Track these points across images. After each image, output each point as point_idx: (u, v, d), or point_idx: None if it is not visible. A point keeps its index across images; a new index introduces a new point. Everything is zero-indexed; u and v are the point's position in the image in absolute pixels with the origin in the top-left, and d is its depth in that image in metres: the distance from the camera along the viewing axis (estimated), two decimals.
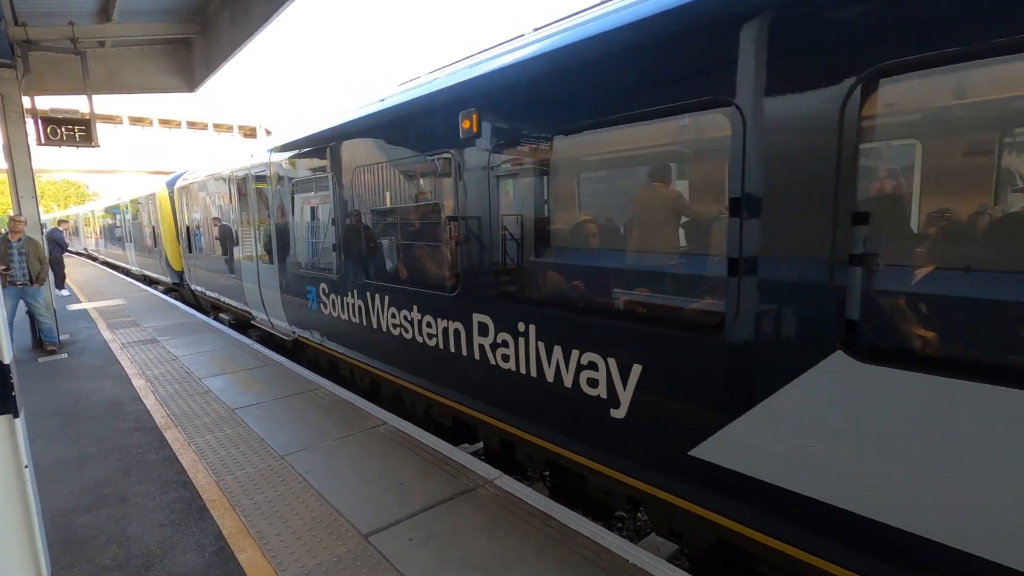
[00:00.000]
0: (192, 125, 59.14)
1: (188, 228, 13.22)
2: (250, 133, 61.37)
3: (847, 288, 2.38)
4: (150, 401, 6.37)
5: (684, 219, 3.61)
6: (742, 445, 2.82)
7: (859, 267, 2.37)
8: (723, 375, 2.87)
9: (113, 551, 3.51)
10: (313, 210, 7.53)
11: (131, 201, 20.61)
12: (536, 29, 4.28)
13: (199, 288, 13.27)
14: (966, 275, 2.31)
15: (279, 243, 8.17)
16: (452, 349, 4.81)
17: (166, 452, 4.96)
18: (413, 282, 5.49)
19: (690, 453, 3.06)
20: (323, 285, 6.98)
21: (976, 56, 2.01)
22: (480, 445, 5.60)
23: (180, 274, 15.24)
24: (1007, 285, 2.16)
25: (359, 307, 6.24)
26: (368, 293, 6.02)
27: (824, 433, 2.50)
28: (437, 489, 4.13)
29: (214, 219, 11.28)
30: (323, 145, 6.67)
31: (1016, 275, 2.17)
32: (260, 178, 8.72)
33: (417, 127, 5.07)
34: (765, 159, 2.59)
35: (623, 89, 3.21)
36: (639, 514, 4.98)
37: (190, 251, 13.32)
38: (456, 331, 4.74)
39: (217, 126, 60.41)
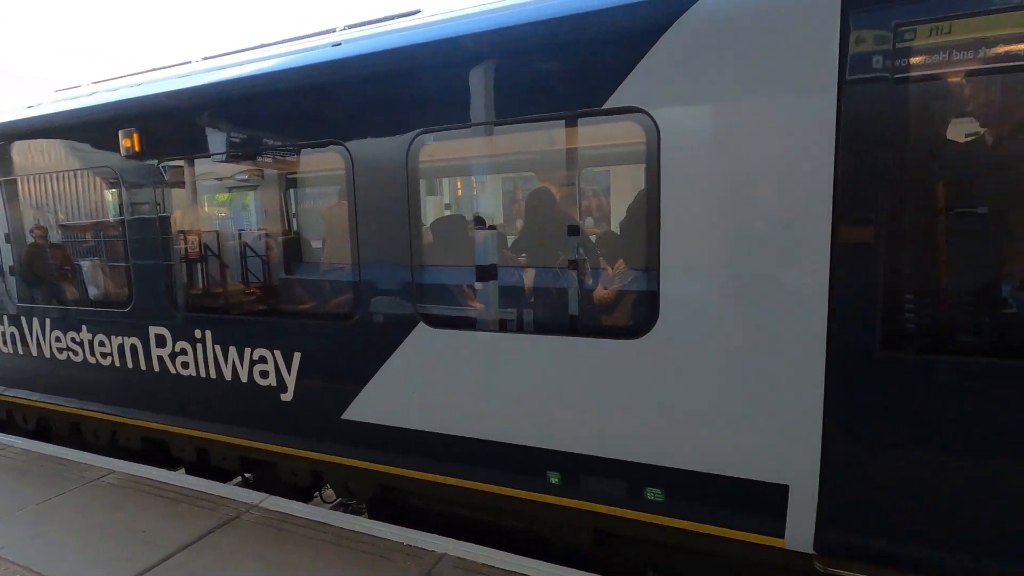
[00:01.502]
0: None
1: None
2: None
3: (418, 282, 3.39)
4: None
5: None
6: (375, 402, 3.61)
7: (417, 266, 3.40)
8: (356, 351, 3.65)
9: None
10: None
11: None
12: (205, 58, 4.68)
13: None
14: (458, 270, 3.56)
15: None
16: (130, 365, 4.73)
17: None
18: (81, 301, 5.27)
19: (343, 417, 3.72)
20: None
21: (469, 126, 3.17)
22: (238, 478, 5.20)
23: None
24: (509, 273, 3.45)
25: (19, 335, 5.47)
26: (30, 317, 5.35)
27: (421, 381, 3.45)
28: (191, 527, 3.76)
29: None
30: None
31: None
32: None
33: (78, 140, 4.88)
34: (367, 188, 3.41)
35: (271, 126, 3.91)
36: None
37: None
38: (133, 347, 4.69)
39: None
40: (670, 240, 2.71)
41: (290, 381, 3.93)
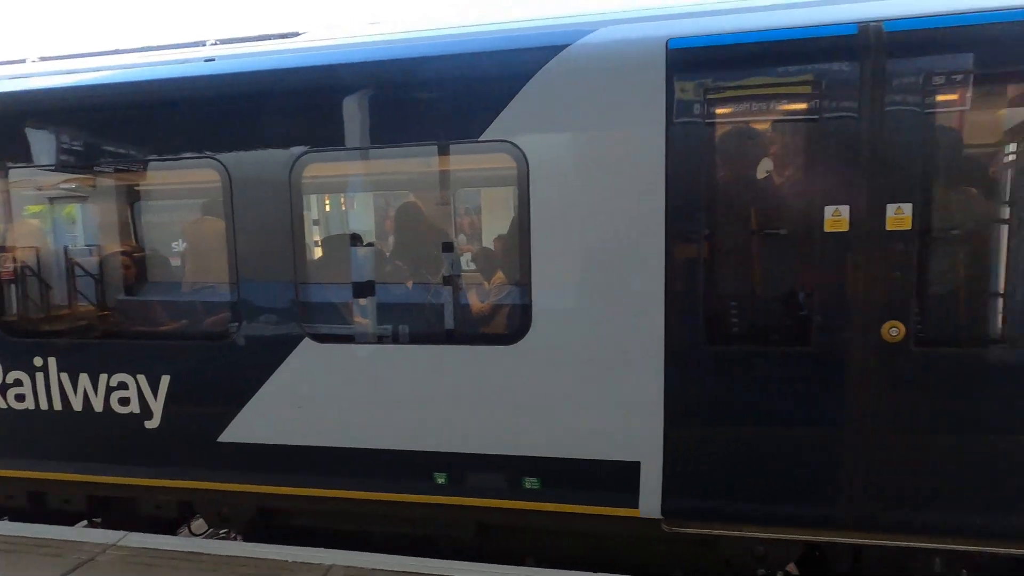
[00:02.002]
0: None
1: None
2: None
3: (303, 297, 3.47)
4: None
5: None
6: (257, 421, 3.56)
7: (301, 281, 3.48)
8: (236, 369, 3.59)
9: None
10: None
11: None
12: (42, 59, 4.32)
13: None
14: (343, 286, 3.63)
15: None
16: None
17: None
18: None
19: (220, 439, 3.63)
20: None
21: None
22: (83, 523, 4.69)
23: None
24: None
25: None
26: None
27: (307, 396, 3.49)
28: None
29: None
30: None
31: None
32: None
33: None
34: (247, 205, 3.42)
35: (142, 135, 3.67)
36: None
37: None
38: None
39: None
40: (539, 256, 3.11)
41: (156, 407, 3.71)
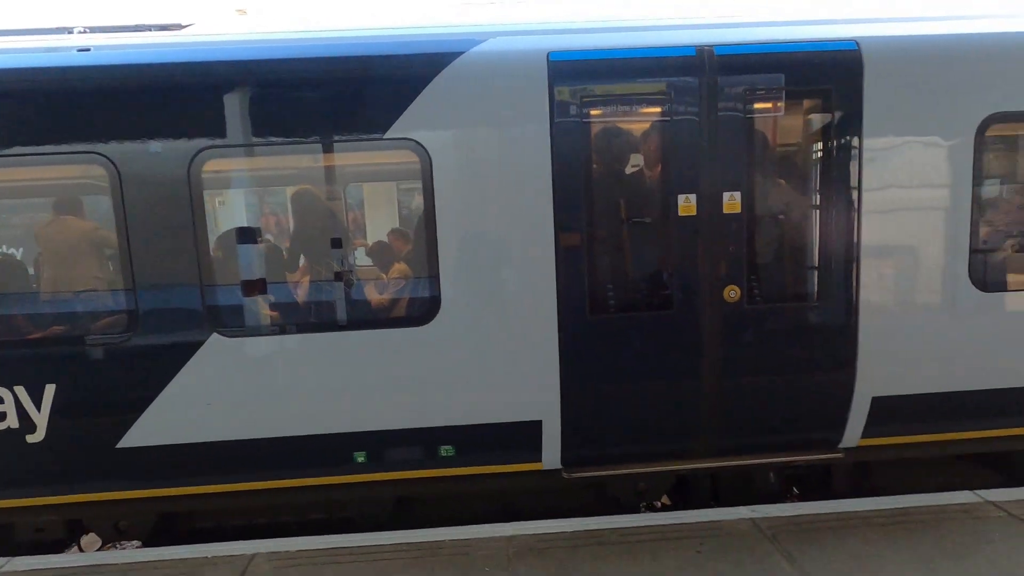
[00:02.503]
0: None
1: None
2: None
3: (209, 292, 3.44)
4: None
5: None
6: (168, 419, 3.47)
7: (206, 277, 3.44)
8: (133, 370, 3.46)
9: None
10: None
11: None
12: None
13: None
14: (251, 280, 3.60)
15: None
16: None
17: None
18: None
19: (118, 446, 3.49)
20: None
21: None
22: None
23: None
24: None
25: None
26: None
27: (215, 391, 3.48)
28: None
29: None
30: None
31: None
32: None
33: None
34: (143, 203, 3.32)
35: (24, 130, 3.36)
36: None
37: None
38: None
39: None
40: (444, 242, 3.42)
41: (40, 419, 3.46)
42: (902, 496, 3.88)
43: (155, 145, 3.29)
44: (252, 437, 3.54)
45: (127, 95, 3.34)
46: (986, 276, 3.67)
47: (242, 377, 3.49)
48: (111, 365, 3.48)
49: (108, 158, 3.28)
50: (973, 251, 3.60)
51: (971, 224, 3.57)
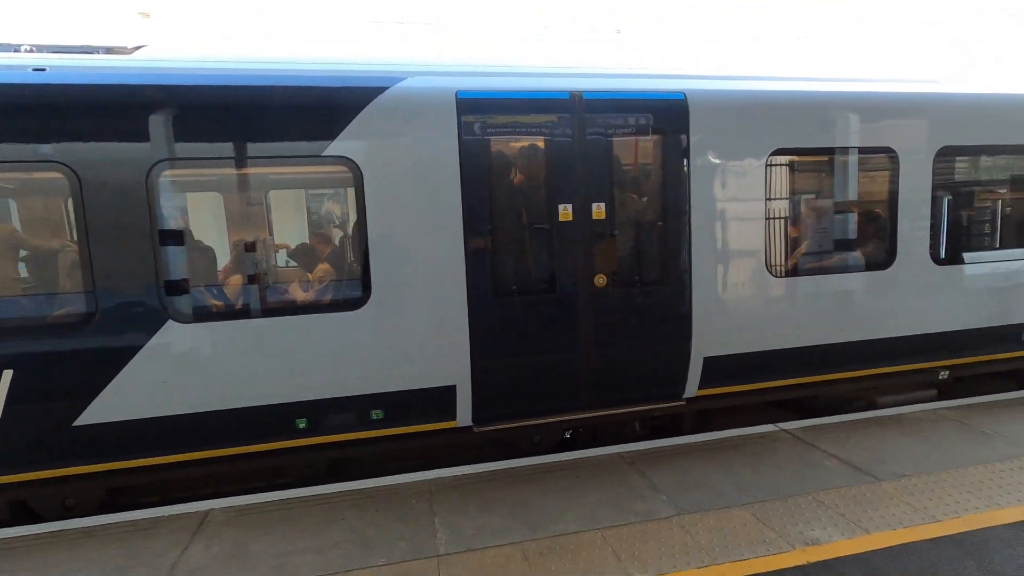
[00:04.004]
0: None
1: None
2: None
3: (162, 283, 3.91)
4: None
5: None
6: (126, 397, 3.91)
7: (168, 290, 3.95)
8: (94, 353, 3.88)
9: None
10: None
11: None
12: None
13: None
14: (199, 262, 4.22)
15: None
16: None
17: None
18: None
19: (76, 424, 3.89)
20: None
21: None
22: None
23: None
24: None
25: None
26: None
27: (166, 370, 3.98)
28: None
29: None
30: None
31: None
32: None
33: None
34: (103, 209, 3.76)
35: None
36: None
37: None
38: None
39: None
40: (375, 241, 4.18)
41: None
42: (722, 431, 5.18)
43: (115, 155, 3.75)
44: (208, 410, 4.07)
45: (101, 113, 3.77)
46: (776, 266, 5.07)
47: (198, 358, 4.02)
48: (73, 346, 3.86)
49: (69, 167, 3.70)
50: (767, 249, 4.98)
51: (765, 226, 4.95)
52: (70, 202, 3.81)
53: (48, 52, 4.09)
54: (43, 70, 3.80)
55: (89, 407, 3.89)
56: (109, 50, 4.24)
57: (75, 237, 3.82)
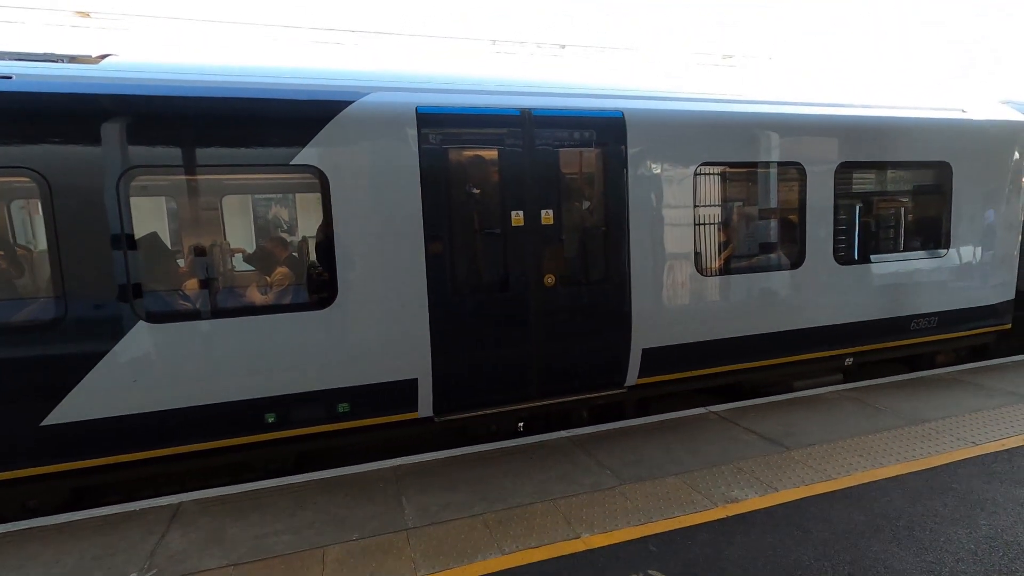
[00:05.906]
0: None
1: None
2: None
3: (135, 281, 4.07)
4: None
5: None
6: (96, 395, 4.05)
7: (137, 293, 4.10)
8: (65, 354, 4.01)
9: None
10: None
11: None
12: None
13: None
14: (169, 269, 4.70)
15: None
16: None
17: None
18: None
19: (43, 424, 4.00)
20: None
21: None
22: None
23: None
24: None
25: None
26: None
27: (137, 369, 4.13)
28: None
29: None
30: None
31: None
32: None
33: None
34: (77, 213, 3.92)
35: None
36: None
37: None
38: None
39: None
40: (341, 244, 4.48)
41: None
42: (659, 415, 5.75)
43: (86, 162, 3.90)
44: (180, 407, 4.24)
45: (74, 120, 3.89)
46: (704, 266, 5.70)
47: (170, 356, 4.19)
48: (41, 351, 3.97)
49: (39, 172, 3.82)
50: (696, 251, 5.59)
51: (694, 231, 5.56)
52: (39, 206, 3.91)
53: (9, 59, 4.16)
54: (9, 78, 3.90)
55: (57, 407, 3.99)
56: (72, 58, 4.34)
57: (46, 241, 3.92)
